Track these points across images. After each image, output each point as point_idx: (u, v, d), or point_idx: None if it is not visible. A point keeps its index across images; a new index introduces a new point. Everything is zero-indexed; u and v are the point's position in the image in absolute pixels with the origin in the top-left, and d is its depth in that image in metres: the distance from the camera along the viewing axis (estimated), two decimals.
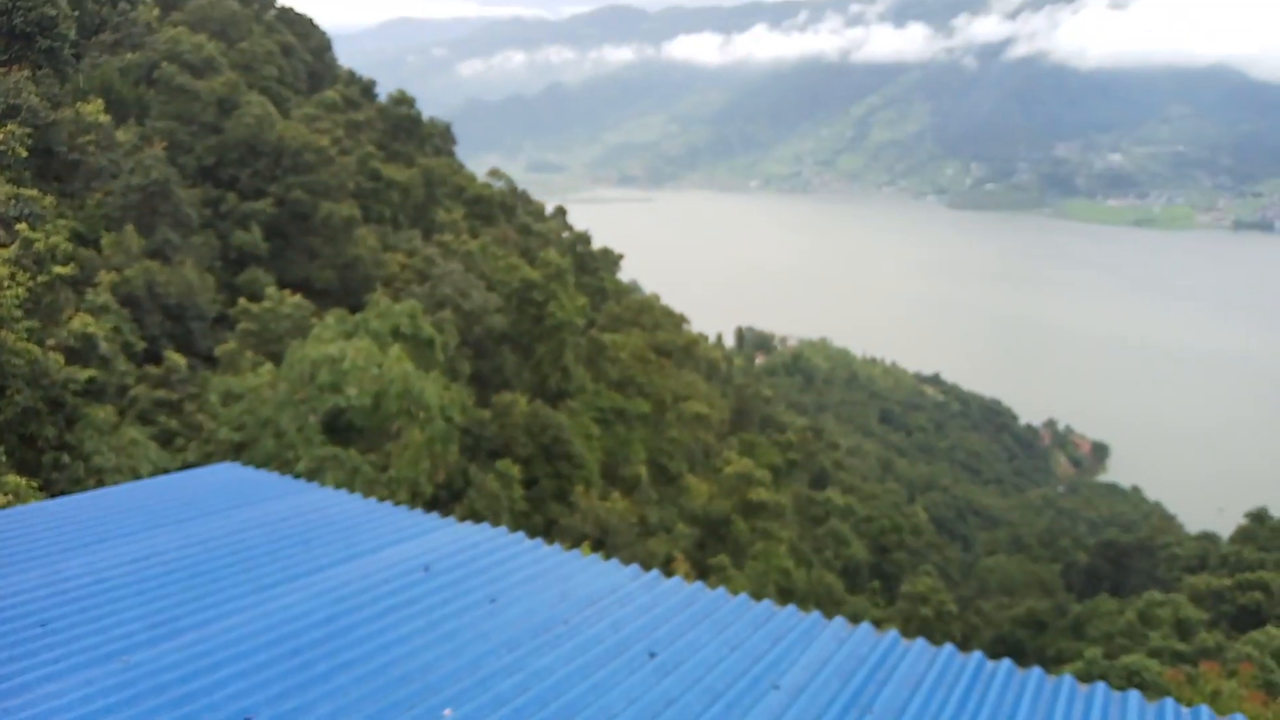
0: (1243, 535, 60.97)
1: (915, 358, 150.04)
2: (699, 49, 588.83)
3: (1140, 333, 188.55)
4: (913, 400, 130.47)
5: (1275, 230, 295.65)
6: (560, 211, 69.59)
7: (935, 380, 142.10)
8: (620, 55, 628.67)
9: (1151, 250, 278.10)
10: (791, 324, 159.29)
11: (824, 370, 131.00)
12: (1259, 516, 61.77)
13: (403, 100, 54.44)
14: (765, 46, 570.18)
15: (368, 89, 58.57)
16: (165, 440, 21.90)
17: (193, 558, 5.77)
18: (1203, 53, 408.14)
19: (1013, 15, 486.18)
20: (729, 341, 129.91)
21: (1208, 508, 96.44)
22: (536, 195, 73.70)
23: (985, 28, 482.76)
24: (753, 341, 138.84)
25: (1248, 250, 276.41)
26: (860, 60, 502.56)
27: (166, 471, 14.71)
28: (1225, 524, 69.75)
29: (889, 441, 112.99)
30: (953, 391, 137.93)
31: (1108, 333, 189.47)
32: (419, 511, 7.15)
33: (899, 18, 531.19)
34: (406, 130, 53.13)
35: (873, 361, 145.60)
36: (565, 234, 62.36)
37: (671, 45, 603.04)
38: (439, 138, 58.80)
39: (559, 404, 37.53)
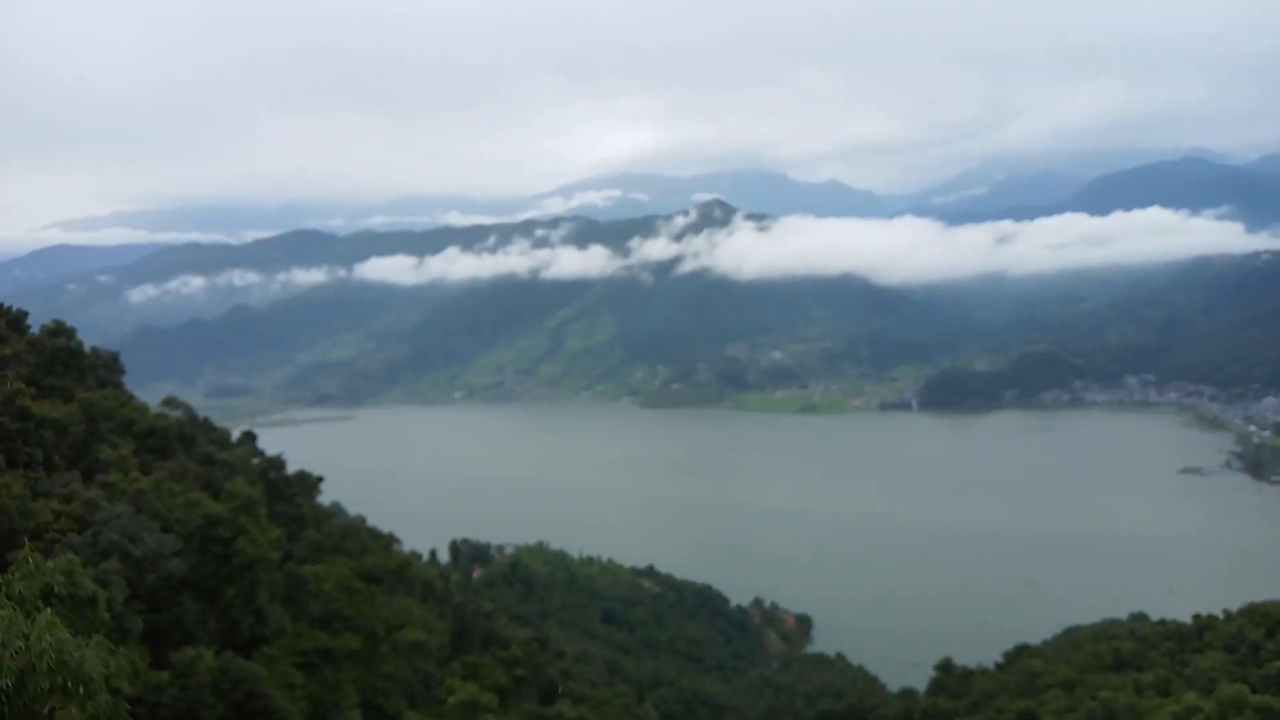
0: (935, 687, 66.50)
1: (629, 553, 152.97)
2: (392, 270, 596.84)
3: (817, 506, 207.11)
4: (632, 596, 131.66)
5: (913, 409, 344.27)
6: (248, 437, 65.06)
7: (650, 573, 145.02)
8: (310, 277, 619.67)
9: (817, 432, 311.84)
10: (507, 531, 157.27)
11: (543, 575, 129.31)
12: (945, 667, 67.99)
13: (59, 330, 49.27)
14: (459, 267, 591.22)
15: (17, 320, 52.61)
16: None
17: None
18: (832, 265, 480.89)
19: (678, 238, 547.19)
20: (444, 557, 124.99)
21: (902, 664, 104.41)
22: (220, 422, 68.64)
23: (656, 248, 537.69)
24: (469, 554, 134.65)
25: (893, 426, 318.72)
26: (549, 278, 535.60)
27: None
28: (920, 678, 75.57)
29: (614, 641, 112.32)
30: (668, 582, 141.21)
31: (792, 509, 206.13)
32: None
33: (580, 240, 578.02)
34: (64, 362, 47.87)
35: (590, 561, 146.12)
36: (255, 461, 58.07)
37: (364, 267, 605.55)
38: (104, 368, 53.62)
39: (253, 652, 33.53)
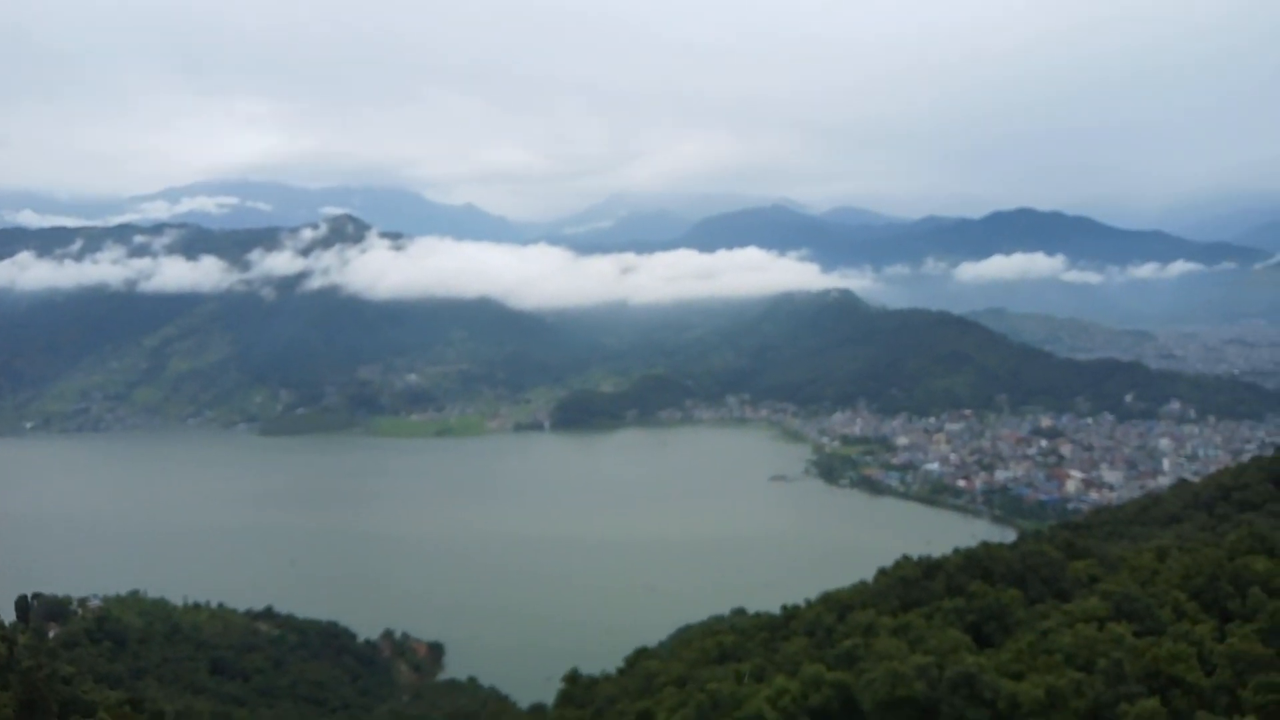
0: (563, 698, 68.50)
1: (245, 595, 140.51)
2: None
3: (449, 529, 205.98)
4: (247, 642, 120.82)
5: (545, 429, 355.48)
6: None
7: (269, 615, 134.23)
8: None
9: (451, 455, 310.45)
10: (94, 581, 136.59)
11: (139, 628, 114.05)
12: (572, 678, 70.30)
13: None
14: (33, 275, 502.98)
15: None
16: None
17: None
18: (470, 288, 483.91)
19: (305, 252, 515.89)
20: (9, 616, 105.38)
21: (534, 679, 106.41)
22: None
23: (280, 262, 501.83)
24: (42, 611, 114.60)
25: (526, 446, 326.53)
26: (151, 290, 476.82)
27: None
28: (551, 691, 77.32)
29: (224, 693, 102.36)
30: (289, 623, 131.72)
31: (423, 534, 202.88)
32: None
33: (189, 250, 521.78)
34: None
35: (197, 608, 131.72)
36: None
37: None
38: None
39: None
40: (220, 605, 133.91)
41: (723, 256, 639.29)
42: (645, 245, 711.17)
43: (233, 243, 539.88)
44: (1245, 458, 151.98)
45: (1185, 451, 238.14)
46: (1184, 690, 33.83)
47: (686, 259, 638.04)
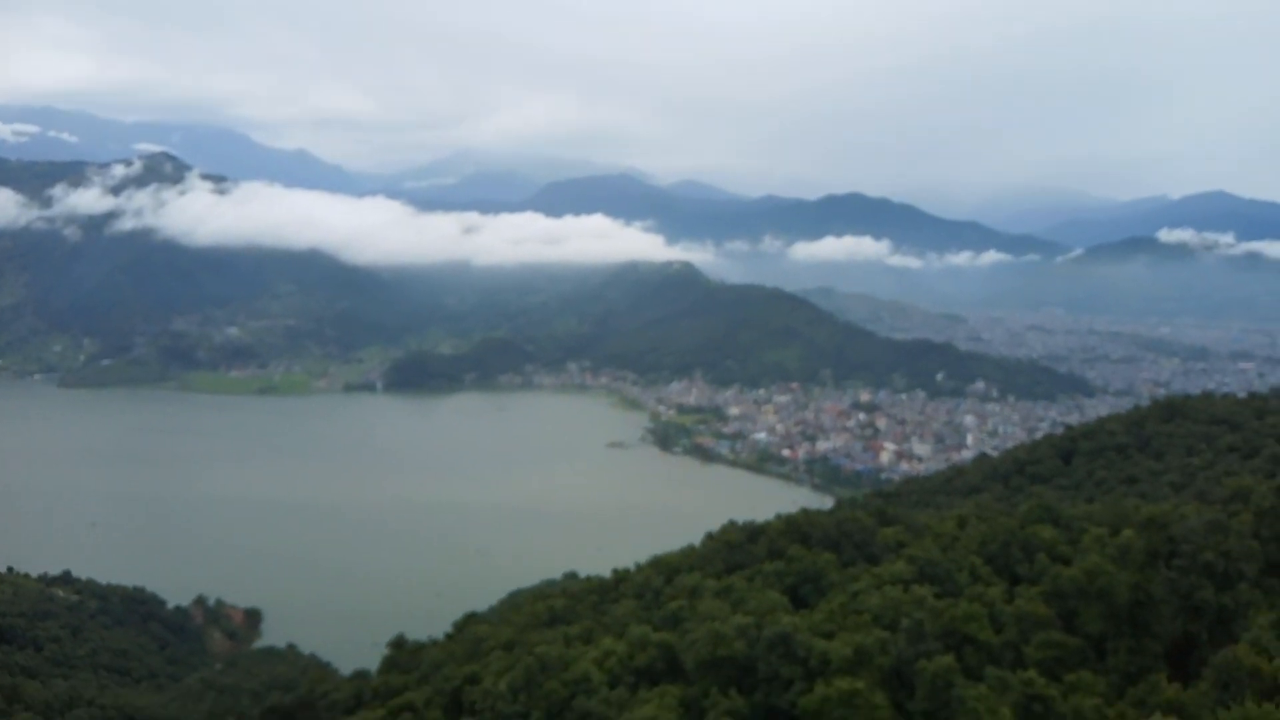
0: (388, 665, 66.97)
1: (38, 559, 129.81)
2: None
3: (270, 492, 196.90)
4: (40, 609, 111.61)
5: (377, 390, 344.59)
6: None
7: (66, 580, 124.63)
8: None
9: (273, 415, 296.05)
10: None
11: None
12: (398, 644, 68.88)
13: None
14: None
15: None
16: None
17: None
18: (300, 238, 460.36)
19: (116, 190, 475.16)
20: None
21: (359, 646, 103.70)
22: None
23: (87, 200, 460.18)
24: None
25: (355, 407, 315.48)
26: None
27: None
28: (377, 658, 75.42)
29: (14, 664, 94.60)
30: (89, 588, 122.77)
31: (240, 497, 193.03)
32: None
33: None
34: None
35: None
36: None
37: None
38: None
39: None
40: (10, 570, 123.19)
41: (570, 222, 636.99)
42: (490, 205, 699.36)
43: (32, 175, 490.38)
44: (1039, 435, 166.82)
45: (987, 428, 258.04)
46: (976, 647, 36.71)
47: (533, 222, 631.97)
